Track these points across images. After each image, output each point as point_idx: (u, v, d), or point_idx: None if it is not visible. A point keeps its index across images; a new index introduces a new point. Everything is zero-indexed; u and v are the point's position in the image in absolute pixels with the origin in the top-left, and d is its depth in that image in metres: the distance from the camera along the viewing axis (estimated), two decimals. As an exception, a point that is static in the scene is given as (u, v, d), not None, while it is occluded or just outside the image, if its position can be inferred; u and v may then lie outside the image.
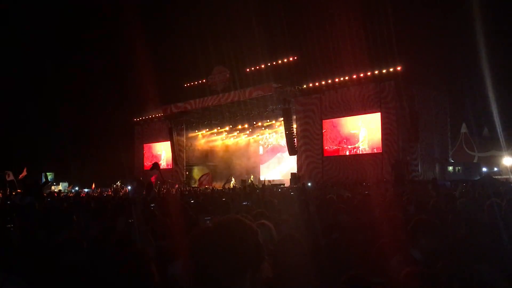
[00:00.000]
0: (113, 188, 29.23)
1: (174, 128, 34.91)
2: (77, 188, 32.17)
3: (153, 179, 19.36)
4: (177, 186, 29.20)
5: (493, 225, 5.01)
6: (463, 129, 38.12)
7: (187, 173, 35.77)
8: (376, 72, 24.52)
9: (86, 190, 30.01)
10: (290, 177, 28.06)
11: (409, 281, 2.76)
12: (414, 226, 3.75)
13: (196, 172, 36.08)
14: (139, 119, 38.89)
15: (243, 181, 30.32)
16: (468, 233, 4.56)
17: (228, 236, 1.52)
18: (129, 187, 25.27)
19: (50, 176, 34.01)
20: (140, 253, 2.78)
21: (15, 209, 7.38)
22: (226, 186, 25.26)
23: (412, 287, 2.75)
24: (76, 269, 3.10)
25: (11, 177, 21.25)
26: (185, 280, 1.54)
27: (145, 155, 39.53)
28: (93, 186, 31.93)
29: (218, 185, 29.27)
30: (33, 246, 3.98)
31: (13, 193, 16.30)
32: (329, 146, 27.23)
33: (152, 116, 37.45)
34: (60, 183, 34.75)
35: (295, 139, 27.86)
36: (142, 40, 26.90)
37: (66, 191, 30.12)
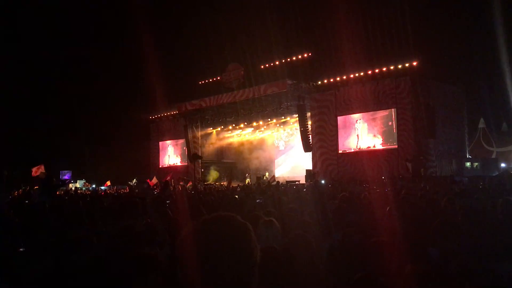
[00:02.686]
0: (129, 185, 29.49)
1: (189, 125, 35.05)
2: (94, 186, 32.56)
3: (168, 177, 19.56)
4: (190, 183, 29.35)
5: (506, 223, 4.95)
6: (481, 124, 37.50)
7: (202, 170, 35.92)
8: (392, 67, 24.29)
9: (102, 187, 30.34)
10: (305, 174, 27.98)
11: (420, 280, 2.73)
12: (436, 227, 3.71)
13: (211, 171, 36.23)
14: (155, 117, 39.14)
15: (258, 178, 30.35)
16: (482, 232, 4.50)
17: (215, 234, 1.43)
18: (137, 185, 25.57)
19: (67, 174, 34.51)
20: (151, 255, 2.80)
21: (32, 208, 7.51)
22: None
23: (423, 286, 2.72)
24: (83, 267, 3.13)
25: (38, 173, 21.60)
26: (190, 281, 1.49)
27: (160, 153, 39.80)
28: (108, 183, 32.28)
29: (236, 182, 29.27)
30: (40, 244, 4.02)
31: (32, 190, 16.56)
32: (344, 142, 27.07)
33: (167, 114, 37.66)
34: (77, 181, 35.24)
35: (310, 135, 27.76)
36: (157, 38, 27.09)
37: (83, 188, 30.52)
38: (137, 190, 21.05)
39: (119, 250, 3.14)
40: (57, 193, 12.45)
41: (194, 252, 1.40)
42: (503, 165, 27.70)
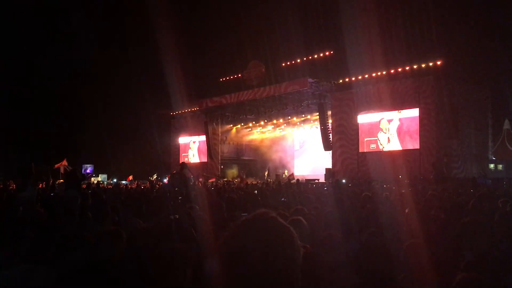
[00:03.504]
0: (150, 181, 29.81)
1: (209, 122, 35.25)
2: (115, 180, 33.00)
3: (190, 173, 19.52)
4: (213, 179, 29.49)
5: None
6: (506, 125, 36.75)
7: (221, 167, 36.07)
8: (415, 66, 23.96)
9: (124, 182, 30.73)
10: (324, 173, 27.87)
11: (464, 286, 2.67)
12: (465, 227, 3.65)
13: (230, 167, 36.37)
14: (176, 113, 39.42)
15: (278, 176, 30.35)
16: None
17: (260, 234, 1.38)
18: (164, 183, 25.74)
19: (90, 168, 35.07)
20: (180, 252, 2.83)
21: (59, 201, 7.64)
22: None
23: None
24: (114, 263, 3.19)
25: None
26: (218, 280, 1.46)
27: (181, 149, 40.10)
28: (130, 178, 32.67)
29: (251, 180, 29.33)
30: (74, 239, 4.09)
31: (56, 183, 16.84)
32: (367, 140, 26.83)
33: (188, 110, 37.88)
34: (99, 175, 35.76)
35: (330, 134, 27.63)
36: (179, 35, 27.26)
37: (105, 182, 30.98)
38: (157, 186, 21.22)
39: (151, 245, 3.19)
40: (83, 186, 12.65)
41: (237, 254, 1.37)
42: (528, 167, 27.13)
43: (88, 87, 34.62)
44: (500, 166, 25.58)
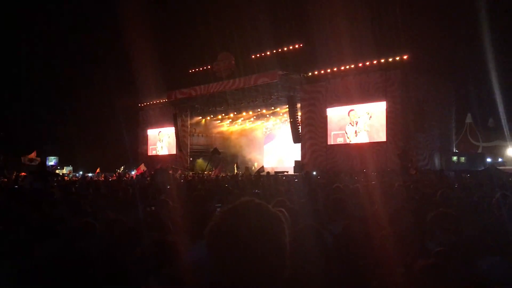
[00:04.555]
0: (118, 173, 29.33)
1: (178, 114, 34.91)
2: (81, 172, 32.30)
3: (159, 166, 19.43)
4: (180, 172, 29.26)
5: (502, 218, 5.04)
6: (468, 119, 37.96)
7: (191, 159, 35.84)
8: (383, 60, 24.37)
9: (90, 174, 30.12)
10: (293, 165, 28.09)
11: (423, 273, 2.77)
12: (433, 218, 3.75)
13: (199, 159, 36.15)
14: (144, 105, 38.86)
15: (247, 168, 30.39)
16: (478, 226, 4.58)
17: (250, 220, 1.36)
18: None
19: (54, 160, 34.21)
20: (158, 240, 2.80)
21: (25, 194, 7.43)
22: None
23: (426, 279, 2.76)
24: (89, 255, 3.12)
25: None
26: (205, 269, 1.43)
27: (149, 141, 39.59)
28: (98, 170, 32.05)
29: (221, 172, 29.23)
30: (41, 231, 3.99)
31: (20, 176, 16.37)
32: (334, 134, 27.17)
33: (156, 102, 37.40)
34: (64, 167, 34.92)
35: (300, 127, 27.84)
36: (147, 25, 26.79)
37: (70, 175, 30.26)
38: (124, 179, 20.92)
39: (132, 238, 3.13)
40: (55, 179, 12.34)
41: (226, 241, 1.35)
42: (488, 160, 28.10)
43: (52, 77, 33.64)
44: (462, 159, 26.39)
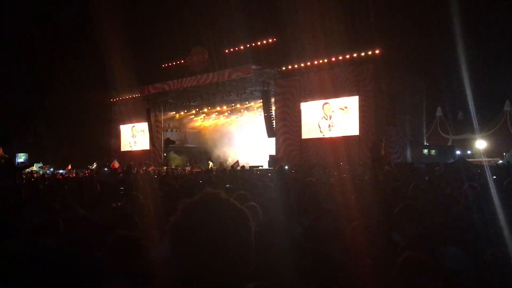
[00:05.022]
0: (90, 169, 28.86)
1: (151, 109, 34.52)
2: (52, 169, 31.63)
3: (132, 162, 19.22)
4: (152, 167, 29.02)
5: (469, 209, 5.16)
6: (439, 112, 38.88)
7: (164, 154, 35.51)
8: (355, 55, 24.59)
9: (61, 171, 29.52)
10: (268, 159, 28.14)
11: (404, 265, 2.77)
12: (400, 211, 3.81)
13: (174, 155, 35.86)
14: (116, 100, 38.23)
15: (222, 163, 30.33)
16: (445, 217, 4.67)
17: (212, 214, 1.34)
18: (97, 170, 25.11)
19: (23, 157, 33.42)
20: (124, 237, 2.75)
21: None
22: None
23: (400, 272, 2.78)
24: (52, 251, 3.04)
25: None
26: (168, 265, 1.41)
27: (122, 136, 39.05)
28: (69, 167, 31.45)
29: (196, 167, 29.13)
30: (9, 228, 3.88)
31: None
32: (307, 128, 27.33)
33: (129, 97, 36.85)
34: (35, 164, 34.11)
35: (274, 121, 27.90)
36: (119, 19, 26.34)
37: (41, 172, 29.59)
38: (95, 175, 20.60)
39: (95, 233, 3.07)
40: (24, 176, 12.03)
41: (187, 236, 1.33)
42: (458, 152, 28.81)
43: (20, 71, 32.76)
44: (433, 151, 26.97)
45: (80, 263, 2.71)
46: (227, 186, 9.07)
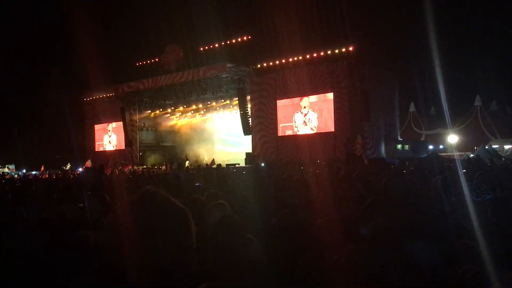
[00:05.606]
0: (63, 170, 28.37)
1: (126, 108, 34.08)
2: (24, 171, 30.97)
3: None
4: (129, 167, 28.71)
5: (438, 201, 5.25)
6: (412, 108, 39.54)
7: (140, 154, 35.15)
8: (329, 52, 24.76)
9: (34, 172, 28.92)
10: (245, 157, 28.16)
11: (351, 257, 2.80)
12: (369, 205, 3.83)
13: (149, 154, 35.54)
14: (89, 99, 37.63)
15: (197, 162, 30.21)
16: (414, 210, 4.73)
17: (148, 214, 1.28)
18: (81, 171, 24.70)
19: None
20: (85, 239, 2.70)
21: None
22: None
23: (354, 262, 2.80)
24: (13, 254, 2.97)
25: None
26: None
27: (96, 136, 38.49)
28: (42, 168, 30.83)
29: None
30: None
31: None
32: (282, 126, 27.43)
33: (103, 96, 36.31)
34: (6, 166, 33.36)
35: (250, 119, 27.90)
36: (92, 16, 25.93)
37: (12, 173, 28.94)
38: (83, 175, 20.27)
39: (50, 235, 3.00)
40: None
41: (123, 234, 1.26)
42: (431, 147, 29.31)
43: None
44: (406, 146, 27.39)
45: (37, 266, 2.66)
46: (196, 184, 9.01)
